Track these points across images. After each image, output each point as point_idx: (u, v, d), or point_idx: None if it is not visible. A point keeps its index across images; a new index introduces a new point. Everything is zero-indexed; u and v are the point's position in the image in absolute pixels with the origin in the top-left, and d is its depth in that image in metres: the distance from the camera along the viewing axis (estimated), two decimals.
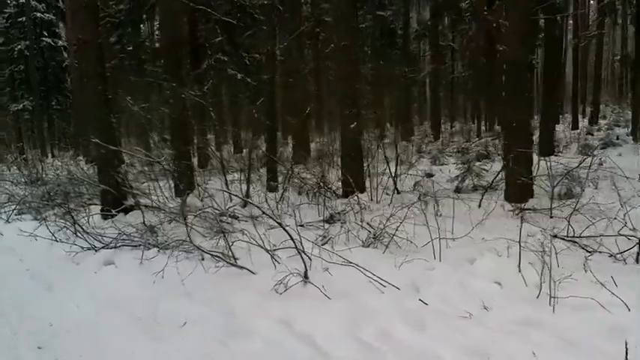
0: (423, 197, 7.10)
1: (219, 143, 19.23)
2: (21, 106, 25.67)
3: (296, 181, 8.25)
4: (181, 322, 3.56)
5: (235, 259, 4.68)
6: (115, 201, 7.20)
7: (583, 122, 23.73)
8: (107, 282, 4.46)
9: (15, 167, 13.17)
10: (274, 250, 4.65)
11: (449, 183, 8.50)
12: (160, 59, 15.06)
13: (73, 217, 5.90)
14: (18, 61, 26.06)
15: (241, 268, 4.47)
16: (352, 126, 7.15)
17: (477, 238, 5.34)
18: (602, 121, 23.88)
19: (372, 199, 7.55)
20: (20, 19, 25.44)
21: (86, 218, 6.59)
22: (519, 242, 4.34)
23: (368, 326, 3.44)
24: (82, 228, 5.58)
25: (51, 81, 27.18)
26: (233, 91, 13.59)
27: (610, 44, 41.00)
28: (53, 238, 5.57)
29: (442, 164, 11.93)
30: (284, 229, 4.18)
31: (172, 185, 8.48)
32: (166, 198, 7.96)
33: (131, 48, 17.16)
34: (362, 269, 4.13)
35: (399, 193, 8.12)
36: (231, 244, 4.78)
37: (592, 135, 17.76)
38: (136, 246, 5.22)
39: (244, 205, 7.69)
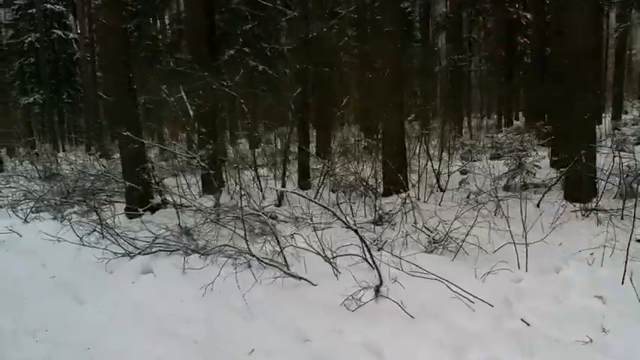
0: (476, 195, 6.57)
1: (234, 137, 18.65)
2: (31, 99, 25.14)
3: (332, 178, 7.67)
4: (248, 349, 2.98)
5: (288, 266, 4.13)
6: (141, 199, 6.67)
7: (606, 117, 22.98)
8: (147, 294, 3.86)
9: (27, 162, 12.67)
10: (334, 257, 4.09)
11: (494, 181, 7.87)
12: (177, 52, 14.52)
13: (100, 218, 5.35)
14: (28, 53, 25.59)
15: (299, 278, 3.91)
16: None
17: (553, 243, 4.77)
18: (624, 116, 23.10)
19: (418, 198, 6.97)
20: (30, 11, 24.93)
21: (112, 218, 6.04)
22: (627, 250, 3.74)
23: (472, 354, 2.88)
24: (114, 230, 5.00)
25: (61, 74, 26.72)
26: (253, 84, 12.99)
27: (628, 38, 40.09)
28: (80, 241, 5.02)
29: (475, 160, 11.28)
30: (359, 235, 3.59)
31: (199, 182, 7.96)
32: (194, 195, 7.43)
33: (146, 40, 16.63)
34: (445, 281, 3.56)
35: (442, 191, 7.55)
36: (282, 249, 4.23)
37: (619, 130, 17.05)
38: (172, 251, 4.67)
39: (279, 204, 7.16)
